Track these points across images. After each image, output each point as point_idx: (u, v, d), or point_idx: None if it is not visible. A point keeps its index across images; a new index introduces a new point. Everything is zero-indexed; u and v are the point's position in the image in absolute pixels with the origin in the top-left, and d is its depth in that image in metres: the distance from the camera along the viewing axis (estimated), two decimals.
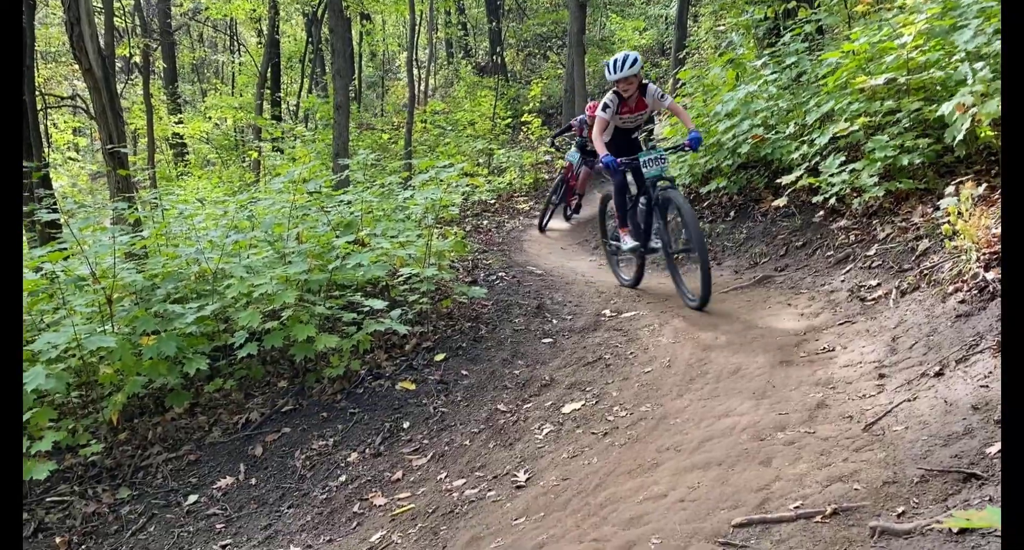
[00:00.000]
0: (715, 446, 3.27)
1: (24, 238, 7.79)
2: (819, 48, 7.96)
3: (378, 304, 5.09)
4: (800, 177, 6.11)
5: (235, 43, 27.76)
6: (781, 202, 6.35)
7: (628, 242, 6.24)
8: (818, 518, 2.45)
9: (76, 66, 7.87)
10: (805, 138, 6.41)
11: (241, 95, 23.82)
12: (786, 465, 2.90)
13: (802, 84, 7.42)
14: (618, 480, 3.31)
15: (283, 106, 21.14)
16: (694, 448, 3.33)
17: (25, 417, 4.08)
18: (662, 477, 3.16)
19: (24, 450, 4.02)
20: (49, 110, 18.40)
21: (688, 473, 3.11)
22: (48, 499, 4.26)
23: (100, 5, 10.57)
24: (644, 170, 5.78)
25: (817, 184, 5.86)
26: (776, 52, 8.07)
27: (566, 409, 4.36)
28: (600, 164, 6.03)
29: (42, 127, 13.62)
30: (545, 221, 11.01)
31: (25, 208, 6.64)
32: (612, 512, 3.02)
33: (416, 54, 21.66)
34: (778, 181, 6.44)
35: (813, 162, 6.18)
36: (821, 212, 6.13)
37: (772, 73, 7.59)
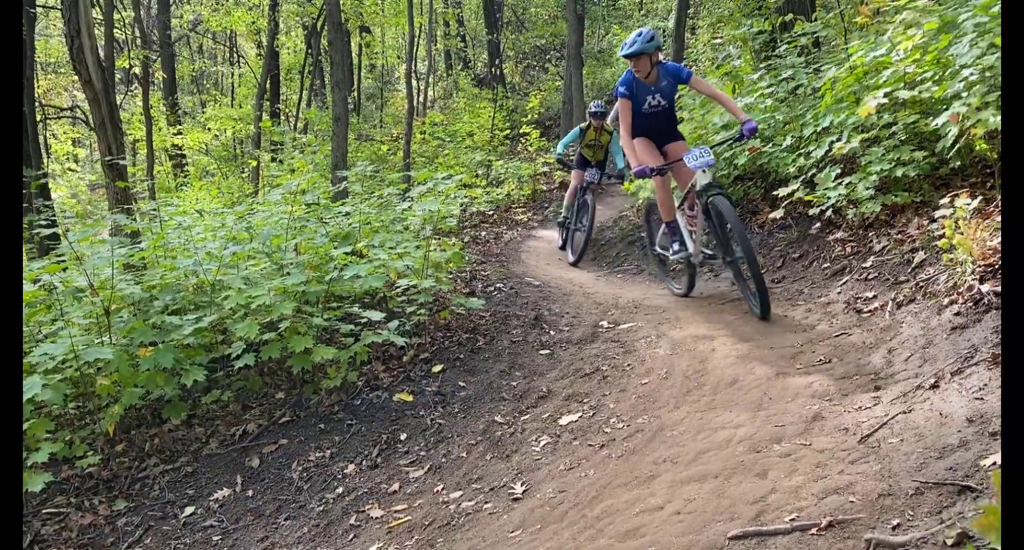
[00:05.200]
0: (712, 458, 3.28)
1: (23, 249, 7.79)
2: (816, 61, 8.01)
3: (376, 316, 5.09)
4: (796, 190, 6.14)
5: (235, 55, 27.87)
6: (778, 214, 6.37)
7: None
8: (813, 530, 2.45)
9: (76, 77, 7.90)
10: (802, 151, 6.44)
11: (241, 106, 23.90)
12: (782, 477, 2.91)
13: (798, 96, 7.47)
14: (615, 492, 3.31)
15: (282, 117, 21.19)
16: (691, 460, 3.34)
17: (22, 428, 4.09)
18: (658, 489, 3.16)
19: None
20: (48, 121, 18.46)
21: (684, 485, 3.11)
22: (44, 511, 4.25)
23: (100, 17, 10.63)
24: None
25: (813, 198, 5.88)
26: (773, 65, 8.12)
27: (563, 421, 4.36)
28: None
29: (41, 138, 13.66)
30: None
31: (24, 219, 6.64)
32: (608, 524, 3.02)
33: (415, 66, 21.74)
34: (775, 193, 6.46)
35: (809, 174, 6.20)
36: (818, 224, 6.15)
37: (769, 86, 7.64)
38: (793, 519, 2.56)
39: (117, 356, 4.45)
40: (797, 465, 2.97)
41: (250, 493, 4.33)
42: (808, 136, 6.45)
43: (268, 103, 20.48)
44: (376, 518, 3.88)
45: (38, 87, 15.21)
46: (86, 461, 4.38)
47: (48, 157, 19.74)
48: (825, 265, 5.76)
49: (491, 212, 13.10)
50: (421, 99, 22.97)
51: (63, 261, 4.99)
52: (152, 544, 4.05)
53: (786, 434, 3.31)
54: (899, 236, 5.14)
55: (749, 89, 8.00)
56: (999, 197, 4.34)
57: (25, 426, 4.12)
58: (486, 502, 3.72)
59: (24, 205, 8.16)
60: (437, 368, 5.25)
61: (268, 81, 19.94)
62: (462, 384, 5.06)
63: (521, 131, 18.44)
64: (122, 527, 4.17)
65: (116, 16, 14.48)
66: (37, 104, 10.89)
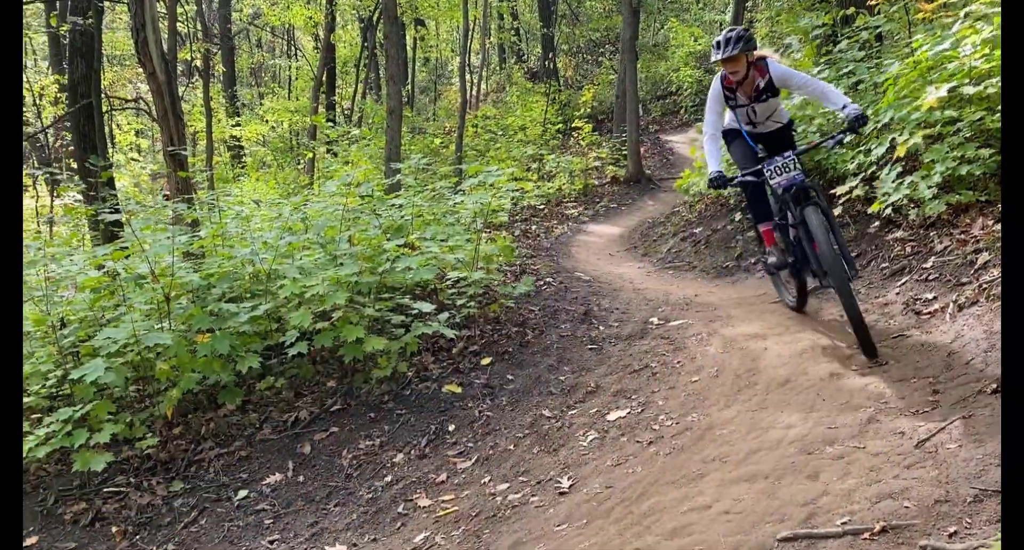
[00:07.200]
0: (762, 458, 3.23)
1: (88, 236, 8.05)
2: (877, 55, 7.80)
3: (426, 307, 5.14)
4: (855, 187, 6.00)
5: (292, 48, 28.31)
6: (835, 212, 6.23)
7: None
8: (866, 535, 2.41)
9: (140, 70, 8.12)
10: (861, 148, 6.29)
11: (297, 99, 24.27)
12: (834, 480, 2.86)
13: (859, 92, 7.28)
14: (662, 489, 3.29)
15: (338, 110, 21.46)
16: (740, 460, 3.30)
17: (86, 409, 4.26)
18: (707, 488, 3.13)
19: (84, 441, 4.19)
20: (114, 112, 18.99)
21: (734, 485, 3.08)
22: (105, 489, 4.40)
23: (164, 11, 10.90)
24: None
25: (873, 195, 5.74)
26: (833, 59, 7.93)
27: (611, 417, 4.35)
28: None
29: (107, 128, 14.07)
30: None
31: (90, 207, 6.88)
32: (655, 522, 3.01)
33: (469, 59, 21.81)
34: (832, 191, 6.33)
35: (869, 172, 6.06)
36: (876, 223, 6.01)
37: (830, 80, 7.46)
38: (845, 523, 2.51)
39: (176, 342, 4.59)
40: (850, 468, 2.91)
41: (301, 478, 4.42)
42: (868, 133, 6.30)
43: (324, 96, 20.75)
44: (423, 507, 3.93)
45: (104, 79, 15.66)
46: (145, 442, 4.53)
47: (113, 147, 20.34)
48: (884, 265, 5.62)
49: (542, 206, 13.08)
50: (474, 92, 23.04)
51: (126, 248, 5.14)
52: (207, 525, 4.16)
53: (839, 436, 3.25)
54: (962, 236, 4.99)
55: None
56: None
57: (88, 407, 4.28)
58: (532, 495, 3.73)
59: (91, 193, 8.44)
60: (486, 361, 5.28)
61: (324, 74, 20.19)
62: (510, 377, 5.08)
63: (573, 125, 18.36)
64: (178, 508, 4.30)
65: (179, 10, 14.81)
66: (103, 95, 11.23)
